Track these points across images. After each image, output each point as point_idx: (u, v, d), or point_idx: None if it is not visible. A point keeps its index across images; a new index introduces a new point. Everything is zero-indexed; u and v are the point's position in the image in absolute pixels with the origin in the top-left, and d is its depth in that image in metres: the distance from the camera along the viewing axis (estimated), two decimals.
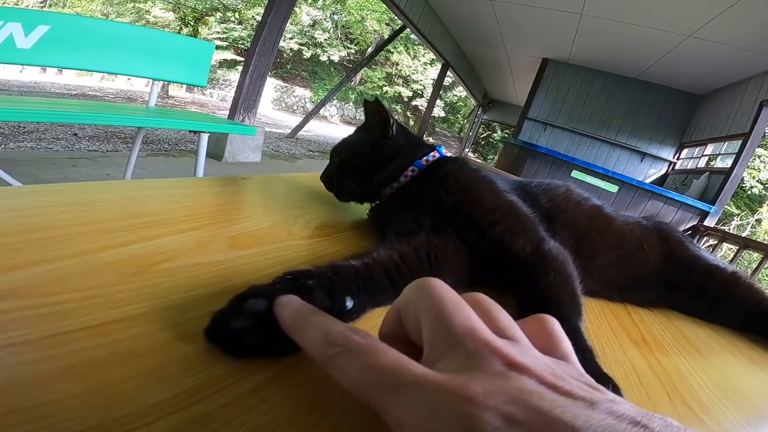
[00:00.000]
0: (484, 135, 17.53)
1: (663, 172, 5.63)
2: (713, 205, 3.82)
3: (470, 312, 0.17)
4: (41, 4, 11.69)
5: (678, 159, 5.53)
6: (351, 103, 15.06)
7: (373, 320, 0.28)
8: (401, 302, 0.20)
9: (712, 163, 5.02)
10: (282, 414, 0.19)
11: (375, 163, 0.47)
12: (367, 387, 0.15)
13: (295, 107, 14.31)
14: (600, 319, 0.41)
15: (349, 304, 0.26)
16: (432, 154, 0.48)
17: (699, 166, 4.97)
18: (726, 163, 4.44)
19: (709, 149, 4.91)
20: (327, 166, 0.51)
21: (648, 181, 5.37)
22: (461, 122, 18.55)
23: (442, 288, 0.18)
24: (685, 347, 0.40)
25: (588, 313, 0.41)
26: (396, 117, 0.49)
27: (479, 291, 0.37)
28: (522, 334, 0.18)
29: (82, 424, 0.15)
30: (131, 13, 11.65)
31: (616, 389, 0.25)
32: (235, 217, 0.40)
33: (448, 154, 0.50)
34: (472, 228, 0.39)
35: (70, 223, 0.30)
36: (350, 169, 0.49)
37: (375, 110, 0.49)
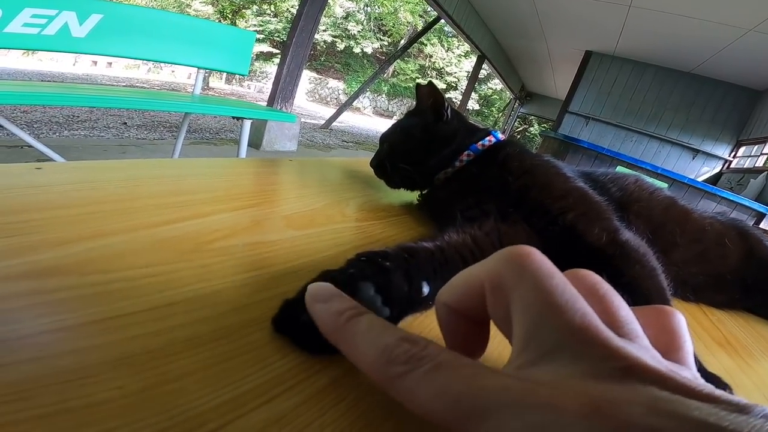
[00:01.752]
0: (520, 129, 17.02)
1: (717, 170, 5.25)
2: None
3: (584, 303, 0.13)
4: None
5: (734, 157, 5.13)
6: (384, 95, 15.05)
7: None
8: (489, 276, 0.16)
9: None
10: (363, 415, 0.16)
11: (429, 147, 0.45)
12: (448, 413, 0.12)
13: (328, 99, 14.47)
14: None
15: (426, 290, 0.23)
16: (488, 138, 0.45)
17: (757, 165, 4.59)
18: None
19: None
20: (377, 151, 0.49)
21: (700, 179, 5.01)
22: (496, 115, 18.10)
23: (547, 267, 0.14)
24: None
25: None
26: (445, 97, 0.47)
27: None
28: (642, 332, 0.14)
29: (138, 430, 0.13)
30: (173, 6, 12.11)
31: (729, 389, 0.23)
32: (287, 197, 0.39)
33: (503, 138, 0.47)
34: (542, 214, 0.35)
35: (124, 197, 0.29)
36: (403, 153, 0.46)
37: (429, 93, 0.47)
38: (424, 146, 0.45)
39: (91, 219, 0.25)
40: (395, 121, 0.50)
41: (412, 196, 0.49)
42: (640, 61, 5.40)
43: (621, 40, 4.94)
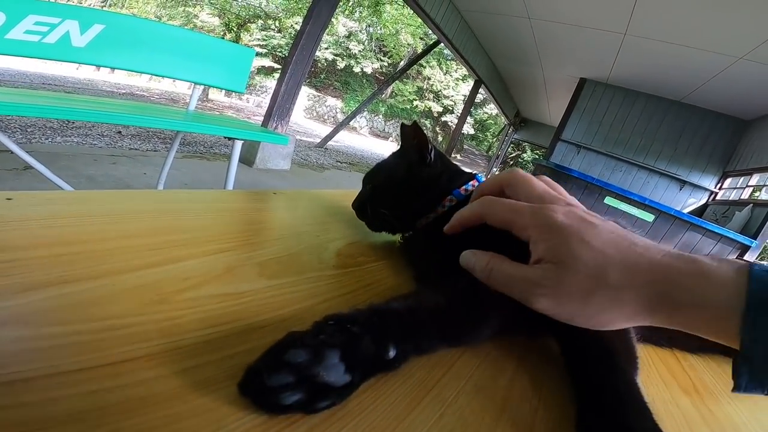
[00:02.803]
0: (514, 155, 17.28)
1: (703, 201, 5.34)
2: (755, 239, 3.59)
3: (546, 186, 0.32)
4: (102, 4, 12.54)
5: (720, 189, 5.24)
6: (381, 116, 15.24)
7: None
8: (505, 181, 0.34)
9: (756, 194, 4.74)
10: None
11: (411, 191, 0.44)
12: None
13: (326, 117, 14.61)
14: (648, 366, 0.39)
15: (392, 353, 0.24)
16: (471, 183, 0.44)
17: (742, 197, 4.69)
18: None
19: (755, 180, 4.62)
20: (359, 193, 0.48)
21: (687, 210, 5.10)
22: (490, 140, 18.39)
23: (529, 177, 0.33)
24: (737, 396, 0.37)
25: None
26: (430, 139, 0.46)
27: (525, 341, 0.34)
28: (566, 194, 0.33)
29: None
30: (181, 17, 12.30)
31: None
32: (265, 239, 0.38)
33: None
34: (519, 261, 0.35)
35: (95, 237, 0.29)
36: (385, 196, 0.45)
37: (412, 134, 0.45)
38: (406, 190, 0.44)
39: (58, 263, 0.25)
40: (380, 162, 0.50)
41: (395, 237, 0.49)
42: (632, 89, 5.56)
43: (615, 68, 5.08)
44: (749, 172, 4.66)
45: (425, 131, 0.53)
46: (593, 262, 0.25)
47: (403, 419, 0.22)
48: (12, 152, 1.14)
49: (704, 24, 3.44)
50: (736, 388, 0.23)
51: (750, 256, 3.55)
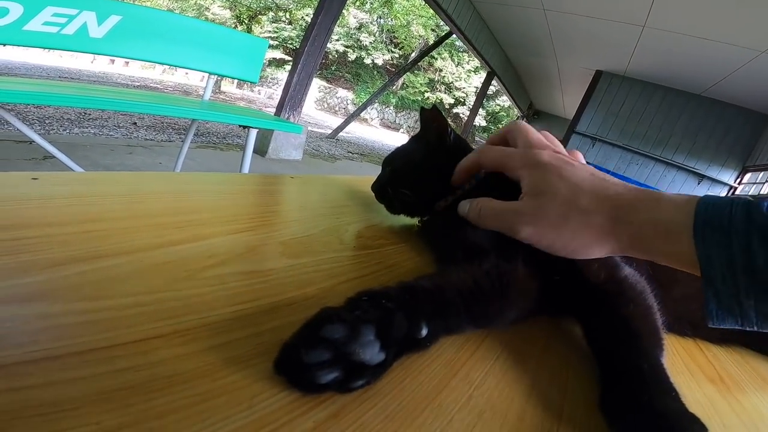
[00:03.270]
0: None
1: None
2: None
3: (541, 136, 0.35)
4: None
5: (740, 183, 5.10)
6: (392, 108, 15.16)
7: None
8: (507, 131, 0.37)
9: None
10: None
11: (431, 172, 0.44)
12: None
13: (337, 108, 14.59)
14: (672, 355, 0.38)
15: (424, 331, 0.23)
16: None
17: (762, 192, 4.56)
18: None
19: None
20: (378, 175, 0.48)
21: None
22: None
23: (528, 127, 0.36)
24: (763, 387, 0.37)
25: None
26: (449, 123, 0.46)
27: (551, 322, 0.34)
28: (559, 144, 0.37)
29: None
30: (193, 9, 12.35)
31: (703, 429, 0.22)
32: (285, 220, 0.38)
33: None
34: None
35: (122, 215, 0.29)
36: (404, 178, 0.46)
37: (432, 118, 0.46)
38: (426, 171, 0.45)
39: (84, 239, 0.25)
40: (399, 146, 0.50)
41: (413, 221, 0.49)
42: (650, 82, 5.41)
43: (633, 60, 4.95)
44: None
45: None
46: (568, 191, 0.29)
47: (432, 400, 0.21)
48: (32, 142, 1.16)
49: (728, 17, 3.32)
50: (708, 319, 0.24)
51: None
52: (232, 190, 0.42)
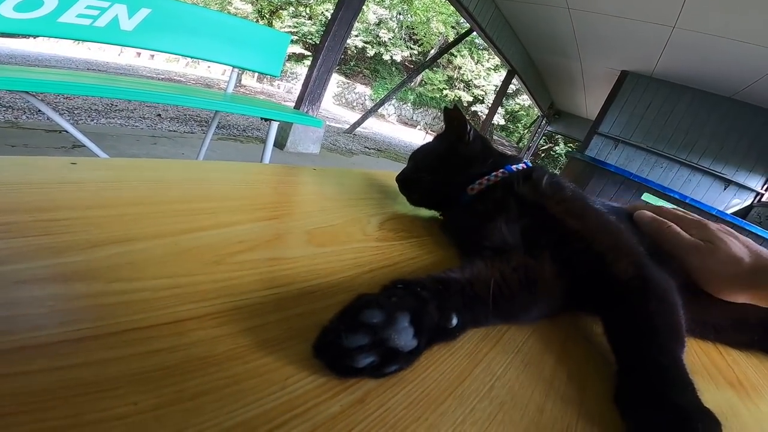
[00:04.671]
0: (545, 147, 16.75)
1: (748, 203, 5.00)
2: None
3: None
4: None
5: (767, 190, 4.89)
6: (409, 104, 15.09)
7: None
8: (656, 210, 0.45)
9: None
10: None
11: (451, 166, 0.47)
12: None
13: (354, 104, 14.62)
14: (692, 356, 0.38)
15: (454, 321, 0.24)
16: (521, 165, 0.46)
17: None
18: None
19: None
20: (403, 168, 0.51)
21: (730, 211, 4.80)
22: (521, 131, 17.89)
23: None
24: None
25: None
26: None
27: (572, 317, 0.34)
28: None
29: None
30: (216, 3, 12.52)
31: (720, 428, 0.22)
32: (310, 209, 0.39)
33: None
34: (572, 242, 0.35)
35: (153, 200, 0.30)
36: (427, 169, 0.48)
37: (454, 116, 0.49)
38: (446, 165, 0.47)
39: (120, 221, 0.25)
40: (425, 143, 0.52)
41: (433, 214, 0.50)
42: (678, 83, 5.22)
43: (660, 62, 4.79)
44: None
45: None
46: (734, 251, 0.39)
47: (455, 388, 0.21)
48: (61, 132, 1.20)
49: (761, 18, 3.17)
50: None
51: None
52: (255, 180, 0.43)
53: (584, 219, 0.37)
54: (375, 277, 0.30)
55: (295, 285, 0.25)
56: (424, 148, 0.51)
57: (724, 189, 5.14)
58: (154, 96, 1.19)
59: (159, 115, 3.48)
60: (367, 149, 5.53)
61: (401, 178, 0.50)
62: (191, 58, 1.64)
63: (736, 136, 5.01)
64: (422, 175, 0.48)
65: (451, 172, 0.46)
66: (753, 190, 4.97)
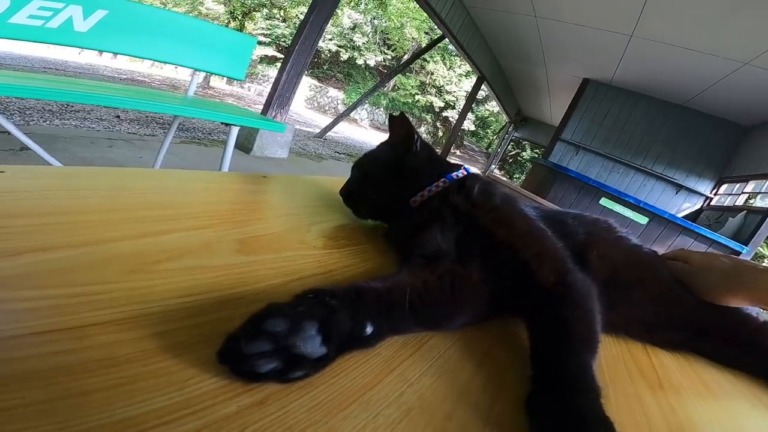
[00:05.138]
0: (513, 153, 17.23)
1: (698, 206, 5.34)
2: (746, 245, 3.61)
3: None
4: None
5: (715, 194, 5.23)
6: (382, 109, 15.15)
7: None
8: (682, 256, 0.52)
9: (751, 201, 4.73)
10: None
11: (398, 177, 0.46)
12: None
13: (327, 108, 14.53)
14: (617, 360, 0.39)
15: (369, 330, 0.25)
16: (461, 171, 0.47)
17: (737, 203, 4.70)
18: (765, 202, 4.17)
19: (750, 186, 4.61)
20: (347, 180, 0.50)
21: (681, 215, 5.11)
22: (490, 137, 18.33)
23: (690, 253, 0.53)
24: (702, 394, 0.39)
25: (605, 353, 0.39)
26: (424, 129, 0.48)
27: (497, 323, 0.35)
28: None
29: None
30: (186, 3, 12.15)
31: None
32: (248, 218, 0.39)
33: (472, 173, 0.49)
34: (500, 251, 0.37)
35: (79, 209, 0.30)
36: (373, 182, 0.47)
37: (401, 125, 0.48)
38: (393, 175, 0.46)
39: (39, 231, 0.26)
40: (368, 151, 0.51)
41: (379, 223, 0.50)
42: (635, 91, 5.51)
43: (619, 69, 5.05)
44: (745, 179, 4.66)
45: (426, 125, 0.55)
46: (725, 267, 0.48)
47: (363, 394, 0.22)
48: (9, 133, 1.14)
49: (713, 28, 3.41)
50: None
51: None
52: (201, 188, 0.43)
53: (511, 227, 0.39)
54: (304, 285, 0.30)
55: (214, 293, 0.25)
56: (368, 159, 0.50)
57: (676, 193, 5.46)
58: (110, 100, 1.15)
59: (118, 116, 3.34)
60: (338, 154, 5.52)
61: (346, 193, 0.49)
62: (151, 60, 1.59)
63: (687, 142, 5.34)
64: (368, 189, 0.47)
65: (398, 185, 0.46)
66: (702, 195, 5.31)
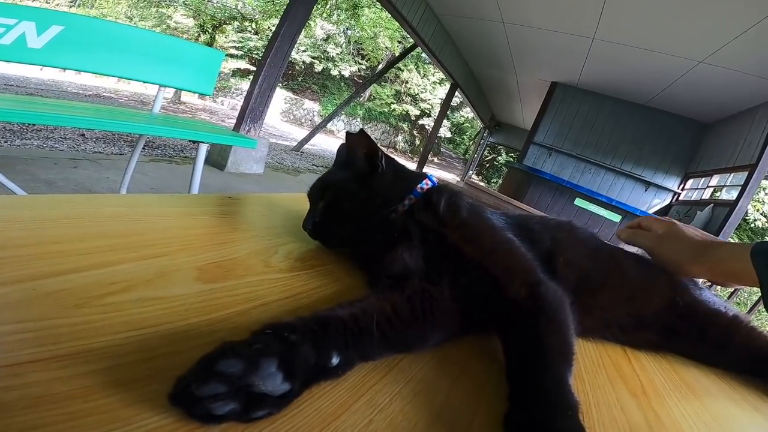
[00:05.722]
0: (489, 158, 17.58)
1: (667, 202, 5.58)
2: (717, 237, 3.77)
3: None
4: (70, 4, 12.04)
5: (683, 189, 5.48)
6: (359, 119, 15.21)
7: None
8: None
9: (717, 194, 4.97)
10: None
11: (368, 202, 0.43)
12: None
13: (303, 120, 14.48)
14: (598, 367, 0.39)
15: (335, 360, 0.24)
16: (425, 182, 0.45)
17: (704, 197, 4.93)
18: (731, 195, 4.38)
19: (715, 180, 4.86)
20: (308, 212, 0.46)
21: (652, 211, 5.33)
22: (467, 143, 18.66)
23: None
24: (686, 396, 0.38)
25: (585, 361, 0.39)
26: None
27: (470, 339, 0.34)
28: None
29: None
30: (154, 17, 11.94)
31: None
32: (209, 243, 0.38)
33: (437, 182, 0.47)
34: (470, 267, 0.36)
35: (24, 242, 0.28)
36: (340, 213, 0.44)
37: (360, 143, 0.44)
38: (362, 202, 0.43)
39: None
40: (323, 176, 0.48)
41: None
42: (600, 93, 5.75)
43: (584, 72, 5.25)
44: (710, 173, 4.90)
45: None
46: (693, 240, 0.51)
47: (327, 425, 0.21)
48: None
49: (667, 28, 3.60)
50: (765, 305, 0.41)
51: None
52: (159, 213, 0.41)
53: (479, 243, 0.38)
54: (267, 310, 0.29)
55: (167, 325, 0.24)
56: (328, 186, 0.46)
57: (645, 190, 5.68)
58: (71, 120, 1.11)
59: (83, 135, 3.23)
60: (315, 167, 5.49)
61: (312, 229, 0.44)
62: (112, 76, 1.55)
63: (652, 140, 5.59)
64: (336, 220, 0.44)
65: (367, 209, 0.43)
66: (671, 190, 5.54)
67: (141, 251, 0.32)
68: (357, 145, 0.44)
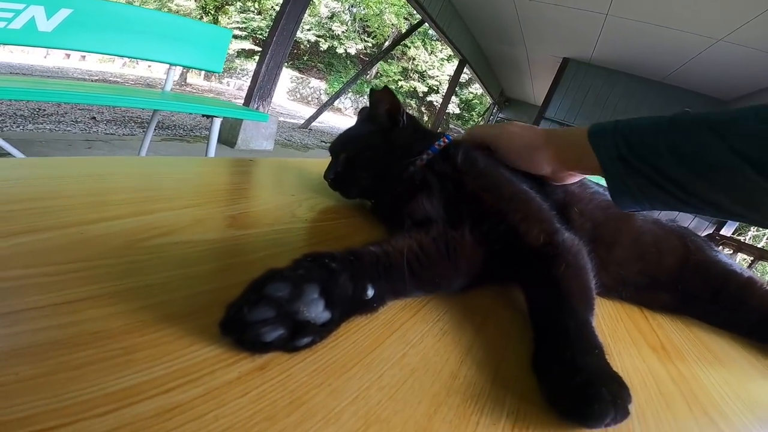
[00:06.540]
0: None
1: None
2: None
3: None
4: None
5: None
6: (365, 96, 15.00)
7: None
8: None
9: None
10: (262, 410, 0.17)
11: (389, 154, 0.45)
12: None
13: (309, 98, 14.35)
14: (616, 322, 0.39)
15: (370, 292, 0.25)
16: (442, 140, 0.46)
17: None
18: None
19: None
20: (330, 163, 0.47)
21: None
22: (476, 120, 18.33)
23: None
24: (704, 355, 0.38)
25: (603, 315, 0.39)
26: (407, 109, 0.47)
27: (492, 287, 0.35)
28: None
29: (22, 411, 0.13)
30: (155, 1, 11.76)
31: (626, 391, 0.23)
32: (238, 197, 0.39)
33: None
34: (491, 215, 0.37)
35: (68, 194, 0.29)
36: (361, 162, 0.45)
37: (384, 99, 0.46)
38: (384, 154, 0.45)
39: (24, 215, 0.25)
40: (346, 130, 0.49)
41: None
42: (614, 69, 5.58)
43: (597, 48, 5.08)
44: None
45: (410, 111, 0.53)
46: (519, 133, 0.46)
47: (365, 356, 0.22)
48: None
49: (685, 5, 3.45)
50: (614, 202, 0.38)
51: (727, 231, 3.65)
52: (188, 172, 0.42)
53: (498, 192, 0.38)
54: (299, 254, 0.30)
55: (207, 265, 0.25)
56: (350, 139, 0.48)
57: None
58: (85, 97, 1.12)
59: (94, 118, 3.24)
60: (324, 143, 5.46)
61: (333, 178, 0.46)
62: (123, 57, 1.55)
63: None
64: (357, 170, 0.45)
65: (388, 161, 0.44)
66: None
67: (175, 202, 0.33)
68: (381, 100, 0.46)
